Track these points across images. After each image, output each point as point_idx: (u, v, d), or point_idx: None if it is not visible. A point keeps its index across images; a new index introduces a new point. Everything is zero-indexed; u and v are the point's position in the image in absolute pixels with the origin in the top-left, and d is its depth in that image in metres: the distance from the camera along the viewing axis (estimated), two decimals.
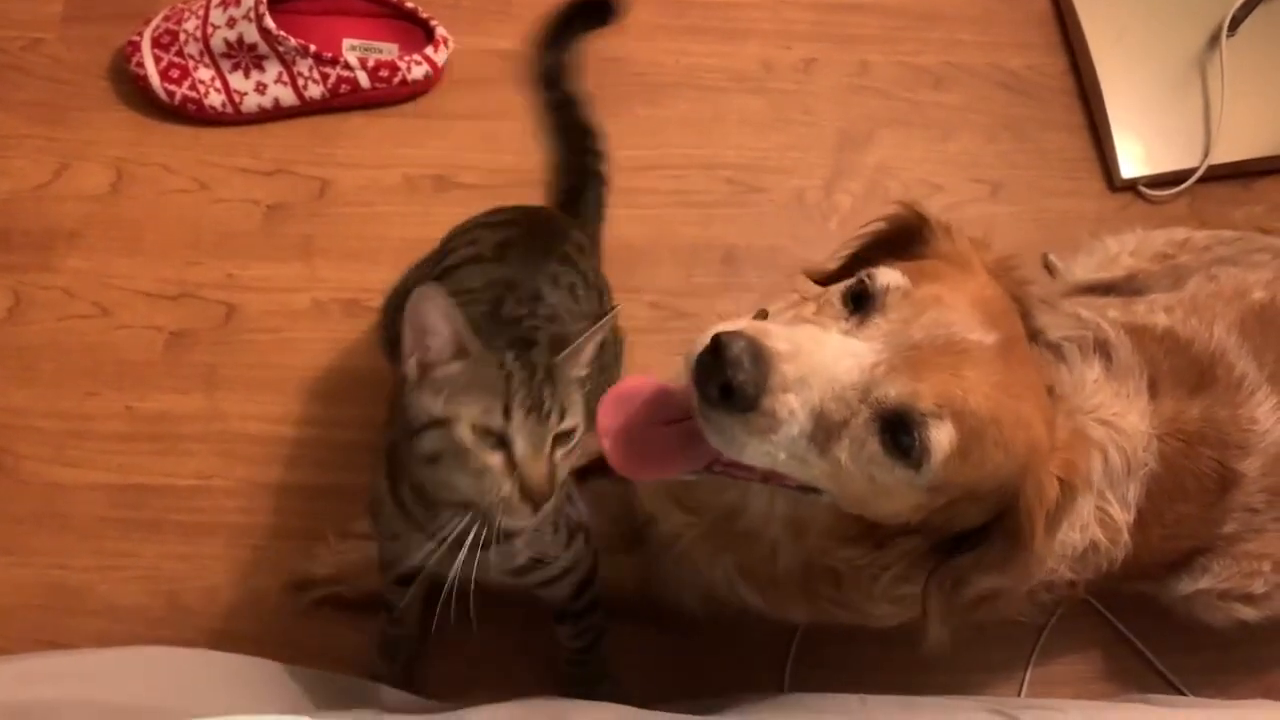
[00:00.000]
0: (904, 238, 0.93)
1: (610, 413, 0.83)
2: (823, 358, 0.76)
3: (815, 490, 0.83)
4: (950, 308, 0.79)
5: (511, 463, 0.84)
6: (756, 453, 0.77)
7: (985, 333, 0.79)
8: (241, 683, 1.10)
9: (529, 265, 1.10)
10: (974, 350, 0.78)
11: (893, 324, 0.79)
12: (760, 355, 0.74)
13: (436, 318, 0.83)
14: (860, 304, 0.82)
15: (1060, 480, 0.81)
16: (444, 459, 0.85)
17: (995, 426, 0.77)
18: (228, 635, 1.29)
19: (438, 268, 1.15)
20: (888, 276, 0.81)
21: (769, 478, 0.84)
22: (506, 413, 0.83)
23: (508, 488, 0.84)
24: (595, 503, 1.31)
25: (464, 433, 0.83)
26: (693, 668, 1.30)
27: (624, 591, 1.26)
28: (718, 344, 0.74)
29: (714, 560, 1.04)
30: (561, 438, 0.86)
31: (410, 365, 0.85)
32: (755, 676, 1.31)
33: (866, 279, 0.82)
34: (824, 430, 0.77)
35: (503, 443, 0.84)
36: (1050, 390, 0.87)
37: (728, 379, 0.73)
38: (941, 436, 0.76)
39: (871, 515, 0.85)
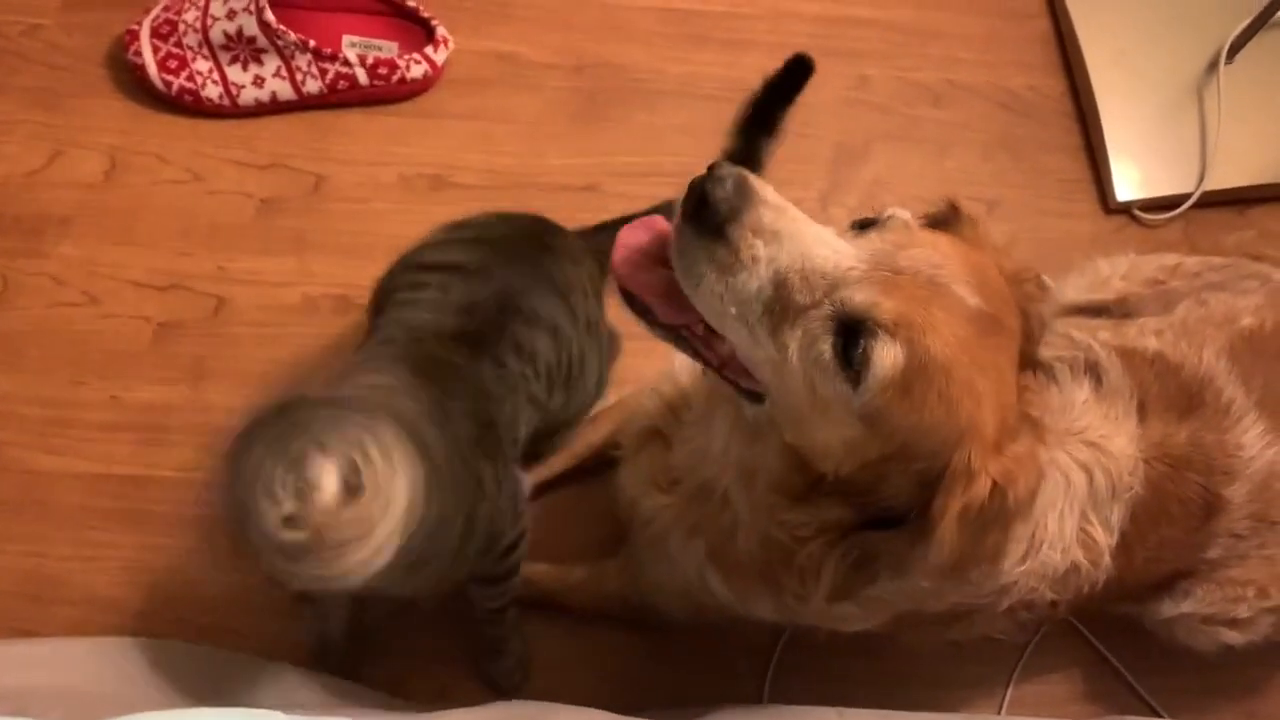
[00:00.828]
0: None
1: (633, 230, 0.83)
2: (804, 231, 0.77)
3: (760, 399, 0.83)
4: (945, 256, 0.79)
5: None
6: (710, 293, 0.77)
7: (971, 294, 0.78)
8: (217, 677, 1.10)
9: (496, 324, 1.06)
10: (953, 300, 0.77)
11: (885, 244, 0.79)
12: (745, 188, 0.75)
13: None
14: (865, 229, 0.82)
15: (994, 484, 0.77)
16: None
17: (944, 377, 0.75)
18: (207, 629, 1.28)
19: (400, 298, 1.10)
20: (898, 210, 0.82)
21: (725, 365, 0.84)
22: None
23: None
24: (579, 506, 1.32)
25: None
26: (674, 677, 1.30)
27: (606, 595, 1.26)
28: (711, 167, 0.75)
29: (687, 547, 1.03)
30: None
31: None
32: (736, 686, 1.31)
33: (878, 212, 0.82)
34: (781, 305, 0.77)
35: None
36: (1030, 416, 0.84)
37: (705, 192, 0.74)
38: (886, 354, 0.75)
39: (806, 443, 0.83)
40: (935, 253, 0.79)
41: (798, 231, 0.77)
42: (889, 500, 0.82)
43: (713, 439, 0.96)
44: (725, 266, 0.76)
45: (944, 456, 0.77)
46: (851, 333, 0.76)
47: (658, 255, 0.82)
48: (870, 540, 0.83)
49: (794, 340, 0.77)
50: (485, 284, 1.07)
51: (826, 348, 0.76)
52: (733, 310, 0.77)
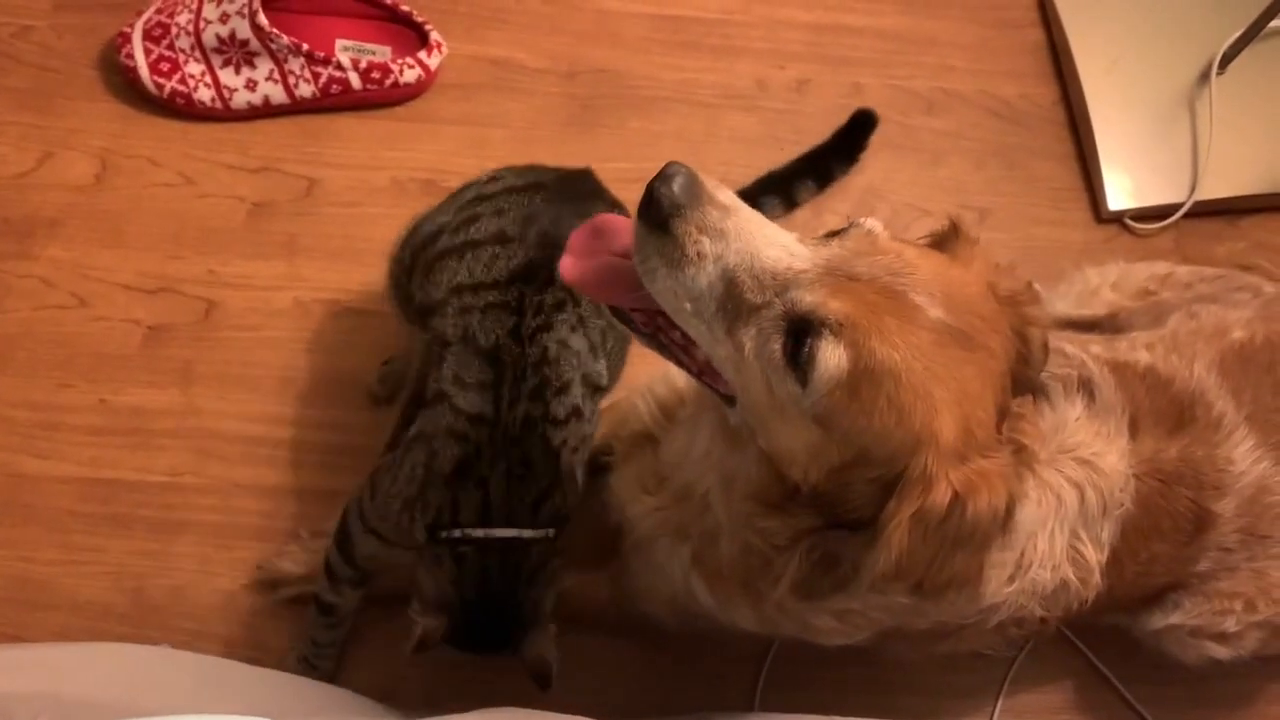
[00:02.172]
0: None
1: (582, 234, 0.86)
2: (754, 231, 0.79)
3: (732, 401, 0.84)
4: (910, 265, 0.78)
5: None
6: (665, 287, 0.79)
7: (933, 306, 0.77)
8: (205, 682, 1.09)
9: (546, 247, 1.09)
10: (908, 308, 0.77)
11: (845, 250, 0.79)
12: (693, 187, 0.78)
13: None
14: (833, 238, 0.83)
15: (955, 494, 0.76)
16: None
17: (893, 382, 0.75)
18: (194, 634, 1.28)
19: (460, 236, 1.14)
20: (866, 220, 0.82)
21: (704, 371, 0.86)
22: None
23: None
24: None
25: None
26: (665, 684, 1.29)
27: (597, 603, 1.26)
28: (664, 167, 0.78)
29: (673, 552, 1.04)
30: None
31: None
32: (727, 695, 1.31)
33: (850, 221, 0.83)
34: (734, 303, 0.78)
35: None
36: (1017, 441, 0.84)
37: (652, 189, 0.77)
38: (831, 355, 0.75)
39: (775, 448, 0.83)
40: (897, 262, 0.79)
41: (746, 231, 0.78)
42: (858, 510, 0.82)
43: (696, 442, 0.97)
44: (673, 261, 0.78)
45: (900, 463, 0.78)
46: (801, 333, 0.76)
47: (606, 249, 0.85)
48: (835, 539, 0.84)
49: (749, 339, 0.79)
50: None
51: (777, 347, 0.78)
52: (688, 305, 0.79)
